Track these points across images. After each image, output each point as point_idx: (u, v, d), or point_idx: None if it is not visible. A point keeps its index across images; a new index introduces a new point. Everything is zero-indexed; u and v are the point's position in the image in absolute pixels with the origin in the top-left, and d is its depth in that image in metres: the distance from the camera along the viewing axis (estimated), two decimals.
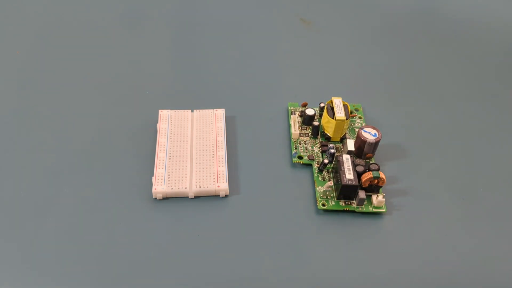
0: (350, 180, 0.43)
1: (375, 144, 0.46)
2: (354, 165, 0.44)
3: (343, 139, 0.49)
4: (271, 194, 0.45)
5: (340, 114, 0.47)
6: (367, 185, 0.43)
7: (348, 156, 0.44)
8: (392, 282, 0.40)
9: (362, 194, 0.43)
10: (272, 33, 0.62)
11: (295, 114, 0.50)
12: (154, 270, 0.39)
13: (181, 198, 0.44)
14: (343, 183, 0.42)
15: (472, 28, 0.64)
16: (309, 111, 0.49)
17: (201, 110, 0.50)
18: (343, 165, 0.44)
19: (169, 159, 0.46)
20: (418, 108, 0.54)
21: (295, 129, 0.49)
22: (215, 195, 0.44)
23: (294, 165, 0.47)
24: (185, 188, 0.44)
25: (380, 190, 0.44)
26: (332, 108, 0.47)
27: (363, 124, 0.51)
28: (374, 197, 0.44)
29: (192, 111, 0.50)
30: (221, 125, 0.49)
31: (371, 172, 0.43)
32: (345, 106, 0.48)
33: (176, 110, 0.50)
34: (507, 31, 0.64)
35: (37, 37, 0.58)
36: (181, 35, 0.60)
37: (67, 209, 0.43)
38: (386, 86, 0.56)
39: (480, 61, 0.60)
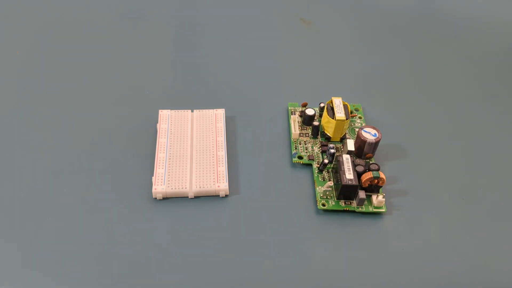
0: (350, 180, 0.43)
1: (375, 144, 0.46)
2: (354, 165, 0.44)
3: (343, 139, 0.49)
4: (271, 194, 0.45)
5: (340, 114, 0.47)
6: (367, 185, 0.43)
7: (348, 156, 0.44)
8: (392, 282, 0.40)
9: (362, 194, 0.43)
10: (272, 33, 0.62)
11: (295, 114, 0.50)
12: (154, 270, 0.39)
13: (181, 198, 0.44)
14: (343, 183, 0.42)
15: (472, 28, 0.64)
16: (309, 111, 0.49)
17: (201, 110, 0.50)
18: (343, 165, 0.44)
19: (169, 159, 0.46)
20: (418, 108, 0.54)
21: (295, 129, 0.49)
22: (215, 195, 0.44)
23: (294, 165, 0.47)
24: (185, 188, 0.44)
25: (380, 190, 0.44)
26: (332, 108, 0.47)
27: (363, 124, 0.51)
28: (374, 197, 0.44)
29: (192, 111, 0.50)
30: (221, 125, 0.49)
31: (371, 172, 0.43)
32: (345, 106, 0.48)
33: (176, 110, 0.50)
34: (507, 31, 0.64)
35: (37, 37, 0.58)
36: (181, 35, 0.60)
37: (67, 209, 0.43)
38: (386, 86, 0.56)
39: (480, 61, 0.60)
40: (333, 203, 0.44)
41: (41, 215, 0.42)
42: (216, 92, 0.54)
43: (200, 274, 0.39)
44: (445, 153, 0.49)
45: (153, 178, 0.44)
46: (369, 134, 0.46)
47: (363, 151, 0.46)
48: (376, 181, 0.43)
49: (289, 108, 0.52)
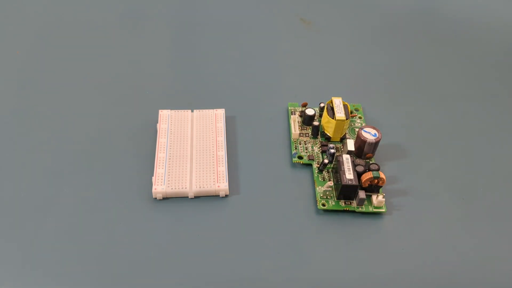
0: (350, 180, 0.43)
1: (375, 144, 0.46)
2: (354, 165, 0.44)
3: (343, 139, 0.49)
4: (271, 194, 0.45)
5: (340, 114, 0.47)
6: (367, 185, 0.43)
7: (348, 156, 0.44)
8: (392, 282, 0.40)
9: (362, 194, 0.43)
10: (272, 33, 0.62)
11: (295, 114, 0.50)
12: (154, 270, 0.39)
13: (181, 198, 0.44)
14: (343, 183, 0.42)
15: (472, 28, 0.64)
16: (309, 111, 0.49)
17: (201, 110, 0.50)
18: (343, 165, 0.44)
19: (169, 159, 0.46)
20: (418, 108, 0.54)
21: (295, 129, 0.49)
22: (215, 195, 0.44)
23: (294, 165, 0.47)
24: (185, 188, 0.44)
25: (380, 190, 0.44)
26: (332, 108, 0.47)
27: (363, 124, 0.51)
28: (374, 197, 0.44)
29: (192, 111, 0.50)
30: (221, 125, 0.49)
31: (371, 172, 0.43)
32: (345, 106, 0.48)
33: (176, 110, 0.50)
34: (507, 31, 0.64)
35: (37, 37, 0.58)
36: (181, 35, 0.60)
37: (67, 209, 0.43)
38: (386, 86, 0.56)
39: (480, 61, 0.60)
40: (333, 203, 0.44)
41: (41, 215, 0.42)
42: (216, 92, 0.54)
43: (200, 274, 0.39)
44: (445, 153, 0.49)
45: (153, 178, 0.44)
46: (369, 134, 0.46)
47: (363, 151, 0.46)
48: (376, 181, 0.43)
49: (289, 108, 0.52)
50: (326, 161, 0.45)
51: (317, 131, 0.49)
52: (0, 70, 0.54)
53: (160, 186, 0.44)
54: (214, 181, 0.44)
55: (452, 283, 0.40)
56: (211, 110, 0.50)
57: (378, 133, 0.46)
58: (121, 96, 0.52)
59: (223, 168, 0.45)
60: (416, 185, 0.46)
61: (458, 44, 0.62)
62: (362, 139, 0.46)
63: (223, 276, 0.39)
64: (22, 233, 0.41)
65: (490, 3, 0.68)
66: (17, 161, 0.46)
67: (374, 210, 0.44)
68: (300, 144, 0.48)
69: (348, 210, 0.44)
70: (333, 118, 0.47)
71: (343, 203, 0.44)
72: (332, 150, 0.45)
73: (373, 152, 0.47)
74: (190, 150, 0.47)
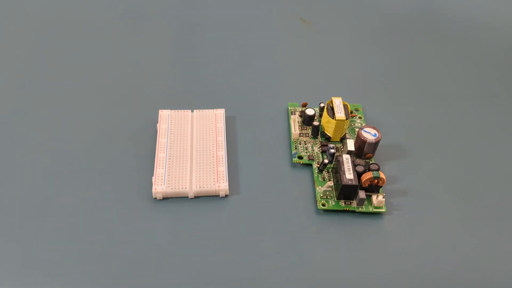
0: (350, 180, 0.43)
1: (375, 144, 0.46)
2: (354, 165, 0.44)
3: (343, 139, 0.49)
4: (271, 194, 0.45)
5: (340, 114, 0.47)
6: (367, 185, 0.43)
7: (348, 156, 0.44)
8: (392, 282, 0.40)
9: (362, 194, 0.43)
10: (272, 33, 0.62)
11: (295, 114, 0.50)
12: (154, 270, 0.39)
13: (181, 198, 0.44)
14: (343, 183, 0.42)
15: (472, 28, 0.64)
16: (309, 111, 0.49)
17: (201, 110, 0.50)
18: (343, 165, 0.44)
19: (169, 159, 0.46)
20: (418, 108, 0.54)
21: (295, 129, 0.49)
22: (215, 195, 0.44)
23: (294, 165, 0.47)
24: (185, 188, 0.44)
25: (380, 190, 0.44)
26: (332, 108, 0.47)
27: (363, 124, 0.51)
28: (374, 197, 0.44)
29: (192, 111, 0.50)
30: (221, 125, 0.49)
31: (371, 172, 0.43)
32: (345, 106, 0.48)
33: (176, 110, 0.50)
34: (507, 31, 0.64)
35: (37, 37, 0.58)
36: (181, 35, 0.60)
37: (67, 209, 0.43)
38: (386, 86, 0.56)
39: (480, 61, 0.60)
40: (333, 203, 0.44)
41: (41, 215, 0.42)
42: (216, 92, 0.54)
43: (200, 274, 0.39)
44: (445, 153, 0.49)
45: (153, 178, 0.44)
46: (369, 134, 0.46)
47: (363, 151, 0.46)
48: (376, 181, 0.43)
49: (289, 108, 0.52)
50: (326, 161, 0.45)
51: (317, 131, 0.49)
52: (0, 70, 0.54)
53: (160, 186, 0.44)
54: (214, 181, 0.44)
55: (452, 283, 0.40)
56: (211, 110, 0.50)
57: (378, 133, 0.46)
58: (121, 96, 0.52)
59: (223, 168, 0.45)
60: (416, 185, 0.46)
61: (458, 44, 0.62)
62: (362, 139, 0.46)
63: (223, 276, 0.39)
64: (22, 233, 0.41)
65: (490, 3, 0.68)
66: (17, 161, 0.46)
67: (374, 210, 0.44)
68: (300, 144, 0.48)
69: (348, 210, 0.44)
70: (333, 118, 0.47)
71: (343, 203, 0.44)
72: (332, 150, 0.45)
73: (373, 152, 0.47)
74: (190, 150, 0.47)
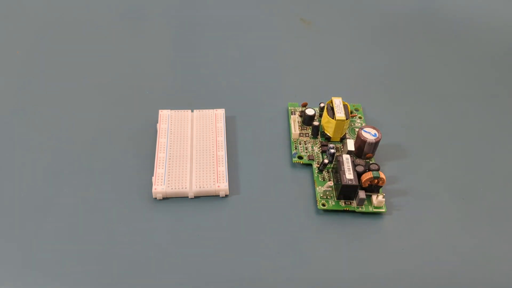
0: (350, 180, 0.43)
1: (375, 144, 0.46)
2: (354, 165, 0.44)
3: (343, 139, 0.49)
4: (271, 194, 0.45)
5: (340, 114, 0.47)
6: (367, 185, 0.43)
7: (348, 156, 0.44)
8: (392, 282, 0.40)
9: (362, 194, 0.43)
10: (272, 33, 0.62)
11: (295, 114, 0.50)
12: (154, 270, 0.39)
13: (181, 198, 0.44)
14: (343, 183, 0.42)
15: (472, 28, 0.64)
16: (309, 111, 0.49)
17: (201, 110, 0.50)
18: (343, 165, 0.44)
19: (169, 159, 0.46)
20: (418, 108, 0.54)
21: (295, 129, 0.49)
22: (215, 195, 0.44)
23: (294, 165, 0.47)
24: (185, 188, 0.44)
25: (380, 190, 0.44)
26: (332, 108, 0.47)
27: (363, 124, 0.51)
28: (374, 197, 0.44)
29: (192, 111, 0.50)
30: (221, 125, 0.49)
31: (371, 172, 0.43)
32: (345, 106, 0.48)
33: (176, 110, 0.50)
34: (507, 31, 0.64)
35: (37, 37, 0.58)
36: (181, 35, 0.60)
37: (67, 209, 0.43)
38: (386, 86, 0.56)
39: (480, 61, 0.60)
40: (333, 203, 0.44)
41: (41, 215, 0.42)
42: (216, 92, 0.54)
43: (200, 274, 0.39)
44: (445, 153, 0.49)
45: (153, 178, 0.44)
46: (369, 134, 0.46)
47: (363, 151, 0.46)
48: (376, 181, 0.43)
49: (289, 108, 0.52)
50: (326, 161, 0.45)
51: (317, 131, 0.49)
52: (0, 70, 0.54)
53: (160, 186, 0.44)
54: (214, 181, 0.44)
55: (452, 283, 0.40)
56: (211, 110, 0.50)
57: (378, 133, 0.46)
58: (121, 96, 0.52)
59: (223, 168, 0.45)
60: (416, 185, 0.46)
61: (458, 44, 0.62)
62: (362, 139, 0.46)
63: (223, 276, 0.39)
64: (22, 233, 0.41)
65: (490, 3, 0.68)
66: (17, 161, 0.46)
67: (374, 210, 0.44)
68: (300, 144, 0.48)
69: (348, 210, 0.44)
70: (333, 118, 0.47)
71: (343, 203, 0.44)
72: (332, 150, 0.45)
73: (373, 152, 0.47)
74: (190, 150, 0.47)
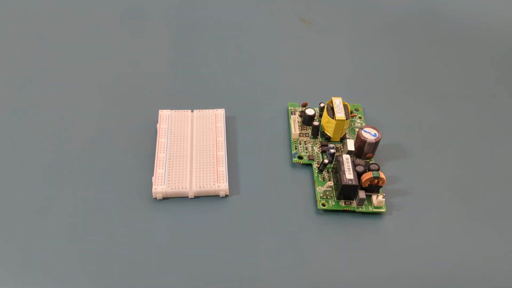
0: (350, 180, 0.43)
1: (375, 144, 0.46)
2: (354, 165, 0.44)
3: (343, 139, 0.49)
4: (271, 194, 0.45)
5: (340, 114, 0.47)
6: (367, 185, 0.43)
7: (348, 156, 0.44)
8: (392, 282, 0.40)
9: (362, 194, 0.43)
10: (272, 33, 0.62)
11: (295, 114, 0.50)
12: (154, 270, 0.39)
13: (181, 198, 0.44)
14: (343, 183, 0.42)
15: (472, 28, 0.64)
16: (309, 111, 0.49)
17: (201, 110, 0.50)
18: (343, 165, 0.44)
19: (169, 159, 0.46)
20: (418, 108, 0.54)
21: (295, 129, 0.49)
22: (215, 195, 0.44)
23: (294, 165, 0.47)
24: (185, 188, 0.44)
25: (380, 190, 0.44)
26: (332, 108, 0.47)
27: (363, 124, 0.51)
28: (374, 197, 0.44)
29: (192, 111, 0.50)
30: (221, 125, 0.49)
31: (371, 172, 0.43)
32: (345, 106, 0.48)
33: (176, 110, 0.50)
34: (507, 31, 0.64)
35: (37, 37, 0.58)
36: (181, 35, 0.60)
37: (67, 209, 0.43)
38: (386, 86, 0.56)
39: (480, 61, 0.60)
40: (333, 203, 0.44)
41: (41, 215, 0.42)
42: (216, 92, 0.54)
43: (200, 274, 0.39)
44: (445, 153, 0.49)
45: (153, 178, 0.44)
46: (369, 134, 0.46)
47: (363, 151, 0.46)
48: (376, 181, 0.43)
49: (289, 108, 0.52)
50: (326, 161, 0.45)
51: (317, 131, 0.49)
52: (0, 70, 0.54)
53: (160, 186, 0.44)
54: (214, 181, 0.44)
55: (452, 283, 0.40)
56: (211, 110, 0.50)
57: (378, 133, 0.46)
58: (121, 96, 0.52)
59: (223, 168, 0.45)
60: (416, 185, 0.46)
61: (458, 44, 0.62)
62: (362, 139, 0.46)
63: (223, 276, 0.39)
64: (22, 233, 0.41)
65: (490, 3, 0.68)
66: (17, 161, 0.46)
67: (374, 210, 0.44)
68: (300, 144, 0.48)
69: (348, 210, 0.44)
70: (333, 118, 0.47)
71: (343, 203, 0.44)
72: (332, 150, 0.45)
73: (373, 152, 0.47)
74: (190, 150, 0.47)
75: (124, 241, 0.41)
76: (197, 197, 0.44)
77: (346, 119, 0.47)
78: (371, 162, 0.46)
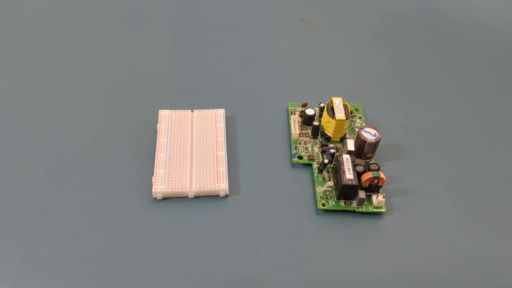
0: (350, 180, 0.43)
1: (375, 144, 0.46)
2: (354, 165, 0.44)
3: (343, 139, 0.49)
4: (271, 194, 0.45)
5: (340, 114, 0.47)
6: (367, 185, 0.43)
7: (348, 156, 0.44)
8: (392, 282, 0.40)
9: (362, 194, 0.43)
10: (272, 33, 0.62)
11: (295, 114, 0.50)
12: (154, 270, 0.39)
13: (181, 198, 0.44)
14: (343, 183, 0.42)
15: (472, 28, 0.64)
16: (309, 111, 0.49)
17: (201, 110, 0.50)
18: (343, 165, 0.44)
19: (169, 159, 0.46)
20: (418, 108, 0.54)
21: (295, 129, 0.49)
22: (215, 195, 0.44)
23: (294, 165, 0.47)
24: (185, 188, 0.44)
25: (380, 190, 0.44)
26: (332, 108, 0.47)
27: (363, 124, 0.51)
28: (374, 197, 0.44)
29: (192, 111, 0.50)
30: (221, 125, 0.49)
31: (371, 172, 0.43)
32: (345, 106, 0.48)
33: (176, 110, 0.50)
34: (507, 31, 0.64)
35: (37, 37, 0.58)
36: (181, 35, 0.60)
37: (67, 209, 0.43)
38: (386, 86, 0.56)
39: (480, 61, 0.60)
40: (333, 203, 0.44)
41: (41, 215, 0.42)
42: (216, 92, 0.54)
43: (200, 274, 0.39)
44: (445, 153, 0.49)
45: (153, 178, 0.44)
46: (369, 134, 0.46)
47: (363, 151, 0.46)
48: (376, 181, 0.43)
49: (289, 108, 0.52)
50: (326, 161, 0.45)
51: (317, 131, 0.49)
52: (0, 70, 0.54)
53: (160, 186, 0.44)
54: (214, 181, 0.44)
55: (452, 283, 0.40)
56: (211, 110, 0.50)
57: (378, 133, 0.46)
58: (121, 96, 0.52)
59: (223, 168, 0.45)
60: (416, 185, 0.46)
61: (458, 44, 0.62)
62: (362, 139, 0.46)
63: (223, 276, 0.39)
64: (22, 233, 0.41)
65: (490, 3, 0.68)
66: (17, 161, 0.46)
67: (374, 210, 0.44)
68: (300, 144, 0.48)
69: (348, 210, 0.44)
70: (333, 118, 0.47)
71: (343, 203, 0.44)
72: (332, 150, 0.45)
73: (373, 152, 0.47)
74: (190, 150, 0.47)
75: (124, 241, 0.41)
76: (197, 197, 0.44)
77: (346, 119, 0.47)
78: (371, 162, 0.46)
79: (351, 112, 0.51)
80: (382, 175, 0.43)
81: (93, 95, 0.52)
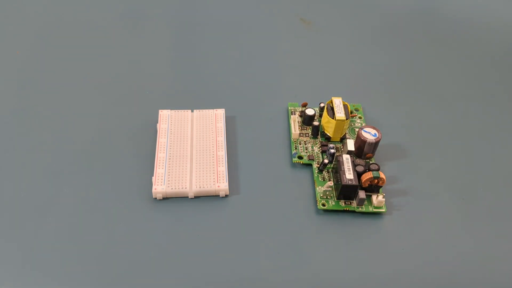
0: (350, 180, 0.43)
1: (375, 144, 0.46)
2: (354, 165, 0.44)
3: (343, 139, 0.49)
4: (271, 194, 0.45)
5: (340, 114, 0.47)
6: (367, 185, 0.43)
7: (348, 156, 0.44)
8: (392, 282, 0.40)
9: (362, 194, 0.43)
10: (272, 33, 0.62)
11: (295, 114, 0.50)
12: (154, 270, 0.39)
13: (181, 198, 0.44)
14: (343, 183, 0.42)
15: (472, 28, 0.64)
16: (309, 111, 0.49)
17: (201, 110, 0.50)
18: (343, 165, 0.44)
19: (169, 159, 0.46)
20: (418, 108, 0.54)
21: (295, 129, 0.49)
22: (215, 195, 0.44)
23: (294, 165, 0.47)
24: (185, 188, 0.44)
25: (380, 190, 0.44)
26: (332, 108, 0.47)
27: (363, 124, 0.51)
28: (374, 197, 0.44)
29: (192, 111, 0.50)
30: (221, 125, 0.49)
31: (371, 172, 0.43)
32: (345, 106, 0.48)
33: (176, 110, 0.50)
34: (507, 31, 0.64)
35: (37, 37, 0.58)
36: (181, 35, 0.60)
37: (67, 209, 0.43)
38: (386, 86, 0.56)
39: (480, 61, 0.60)
40: (333, 203, 0.44)
41: (41, 215, 0.42)
42: (216, 92, 0.54)
43: (200, 274, 0.39)
44: (445, 153, 0.49)
45: (153, 178, 0.44)
46: (369, 134, 0.46)
47: (363, 151, 0.46)
48: (376, 181, 0.43)
49: (289, 108, 0.52)
50: (326, 161, 0.45)
51: (317, 131, 0.49)
52: (0, 70, 0.54)
53: (160, 186, 0.44)
54: (214, 181, 0.44)
55: (452, 283, 0.40)
56: (211, 110, 0.50)
57: (378, 133, 0.46)
58: (121, 96, 0.52)
59: (223, 168, 0.45)
60: (416, 185, 0.46)
61: (458, 44, 0.62)
62: (362, 139, 0.46)
63: (223, 276, 0.39)
64: (22, 233, 0.41)
65: (490, 3, 0.68)
66: (17, 161, 0.46)
67: (374, 210, 0.44)
68: (300, 144, 0.48)
69: (348, 210, 0.44)
70: (333, 118, 0.47)
71: (343, 203, 0.44)
72: (332, 150, 0.45)
73: (373, 152, 0.47)
74: (190, 150, 0.47)
75: (124, 241, 0.41)
76: (197, 197, 0.44)
77: (346, 119, 0.47)
78: (371, 162, 0.46)
79: (351, 112, 0.51)
80: (382, 175, 0.43)
81: (93, 95, 0.52)
